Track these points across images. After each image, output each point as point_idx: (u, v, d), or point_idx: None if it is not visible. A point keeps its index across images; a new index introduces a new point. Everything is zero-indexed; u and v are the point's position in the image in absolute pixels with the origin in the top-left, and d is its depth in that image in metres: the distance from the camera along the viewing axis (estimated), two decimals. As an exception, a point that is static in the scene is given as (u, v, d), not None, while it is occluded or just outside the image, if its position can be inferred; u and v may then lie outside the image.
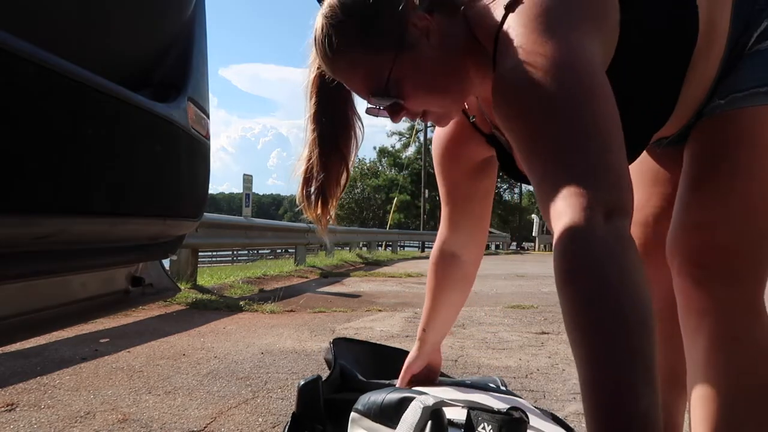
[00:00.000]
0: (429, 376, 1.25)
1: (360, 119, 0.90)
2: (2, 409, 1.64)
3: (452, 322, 1.22)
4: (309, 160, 0.87)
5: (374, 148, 42.02)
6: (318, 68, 0.85)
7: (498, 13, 0.73)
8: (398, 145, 41.00)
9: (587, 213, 0.59)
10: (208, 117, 1.36)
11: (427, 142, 26.57)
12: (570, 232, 0.59)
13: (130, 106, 0.98)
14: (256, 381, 2.05)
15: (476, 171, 1.05)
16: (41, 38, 0.76)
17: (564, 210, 0.60)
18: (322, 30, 0.78)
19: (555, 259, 0.61)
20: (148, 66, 1.20)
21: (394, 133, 42.23)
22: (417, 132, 33.54)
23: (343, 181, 0.89)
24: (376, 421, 0.97)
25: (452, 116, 0.88)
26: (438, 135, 1.05)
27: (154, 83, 1.19)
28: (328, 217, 0.90)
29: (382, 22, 0.76)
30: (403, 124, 42.16)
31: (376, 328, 3.19)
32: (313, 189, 0.87)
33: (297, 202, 0.89)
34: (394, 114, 0.82)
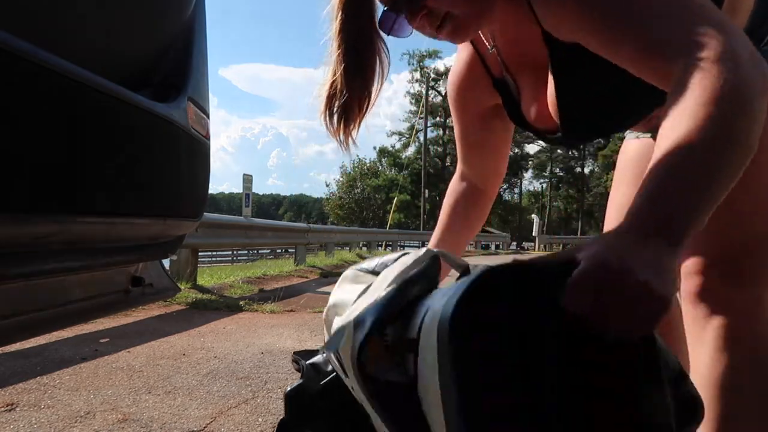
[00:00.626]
0: None
1: (385, 45, 0.86)
2: (2, 409, 1.64)
3: (463, 245, 1.14)
4: (333, 79, 0.85)
5: (374, 148, 42.02)
6: None
7: None
8: (398, 145, 41.08)
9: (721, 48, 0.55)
10: (208, 117, 1.36)
11: (427, 142, 26.58)
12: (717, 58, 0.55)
13: (130, 106, 0.98)
14: (256, 381, 2.05)
15: (487, 117, 1.01)
16: (41, 38, 0.76)
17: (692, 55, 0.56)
18: None
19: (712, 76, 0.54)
20: (148, 66, 1.20)
21: (394, 133, 42.32)
22: (417, 132, 33.56)
23: (365, 107, 0.86)
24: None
25: (470, 31, 0.82)
26: (451, 77, 1.03)
27: (154, 83, 1.19)
28: (349, 138, 0.88)
29: None
30: (403, 124, 42.17)
31: (376, 328, 3.19)
32: (335, 108, 0.85)
33: (319, 120, 0.87)
34: (414, 12, 0.77)
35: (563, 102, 0.82)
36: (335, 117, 0.86)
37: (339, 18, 0.82)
